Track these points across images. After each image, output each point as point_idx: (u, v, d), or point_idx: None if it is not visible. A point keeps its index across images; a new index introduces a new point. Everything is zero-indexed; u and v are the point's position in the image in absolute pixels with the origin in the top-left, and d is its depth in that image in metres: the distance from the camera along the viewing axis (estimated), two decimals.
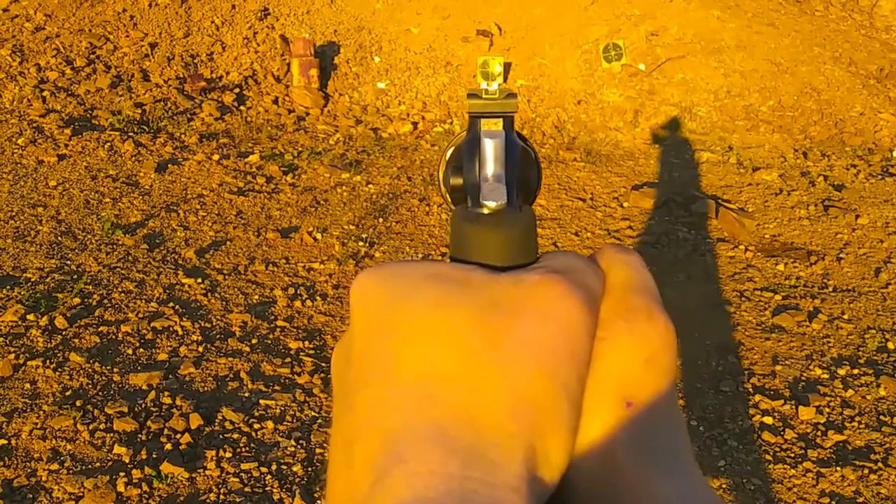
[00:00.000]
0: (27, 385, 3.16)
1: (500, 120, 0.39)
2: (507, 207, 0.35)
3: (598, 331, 0.33)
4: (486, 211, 0.35)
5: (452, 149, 0.43)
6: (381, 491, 0.27)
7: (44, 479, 2.71)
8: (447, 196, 0.43)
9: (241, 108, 6.85)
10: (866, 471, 2.99)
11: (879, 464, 3.03)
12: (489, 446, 0.28)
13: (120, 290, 3.93)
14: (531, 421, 0.29)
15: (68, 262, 4.13)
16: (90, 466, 2.78)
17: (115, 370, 3.30)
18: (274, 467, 2.84)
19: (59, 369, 3.27)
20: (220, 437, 2.97)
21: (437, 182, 0.46)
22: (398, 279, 0.32)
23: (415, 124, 6.97)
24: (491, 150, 0.36)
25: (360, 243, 4.63)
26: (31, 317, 3.59)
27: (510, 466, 0.28)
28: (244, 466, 2.82)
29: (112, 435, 2.92)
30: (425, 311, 0.31)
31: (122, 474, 2.73)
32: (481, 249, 0.34)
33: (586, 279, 0.33)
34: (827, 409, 3.37)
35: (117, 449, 2.84)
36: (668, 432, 0.34)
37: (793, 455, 3.10)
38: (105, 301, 3.82)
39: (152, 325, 3.64)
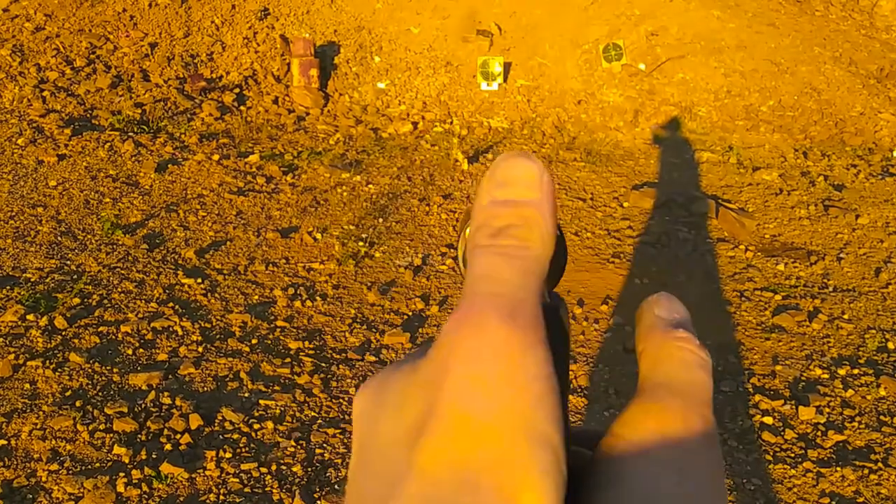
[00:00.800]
0: (27, 385, 3.16)
1: None
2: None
3: (626, 433, 0.30)
4: None
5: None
6: None
7: (43, 479, 2.71)
8: (465, 272, 0.42)
9: (241, 108, 6.85)
10: (866, 471, 2.99)
11: (879, 464, 3.03)
12: None
13: (120, 290, 3.93)
14: (490, 489, 0.25)
15: (68, 263, 4.13)
16: (90, 467, 2.78)
17: (114, 370, 3.30)
18: (274, 468, 2.83)
19: (59, 370, 3.26)
20: (220, 437, 2.97)
21: (457, 257, 0.46)
22: (378, 395, 0.33)
23: (415, 124, 6.97)
24: None
25: (360, 243, 4.62)
26: (30, 317, 3.59)
27: None
28: (244, 467, 2.82)
29: (112, 435, 2.92)
30: (383, 413, 0.31)
31: (121, 475, 2.73)
32: None
33: (497, 286, 0.29)
34: (827, 409, 3.37)
35: (117, 449, 2.84)
36: None
37: (793, 455, 3.10)
38: (105, 301, 3.82)
39: (152, 325, 3.64)
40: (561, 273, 0.42)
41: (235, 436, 2.98)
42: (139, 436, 2.93)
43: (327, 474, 2.83)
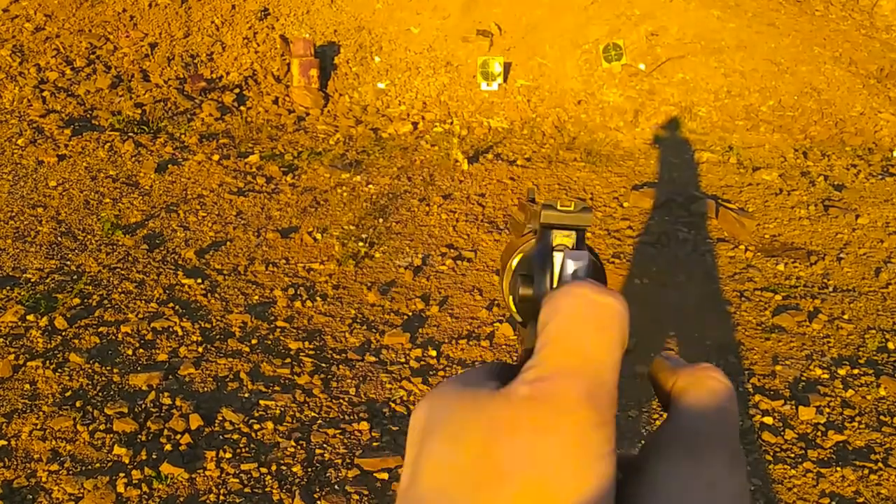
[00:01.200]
0: (27, 386, 3.16)
1: (573, 233, 0.39)
2: None
3: (662, 459, 0.32)
4: None
5: (520, 256, 0.43)
6: None
7: (44, 479, 2.71)
8: (512, 304, 0.42)
9: (241, 108, 6.85)
10: (866, 471, 2.99)
11: (880, 464, 3.03)
12: None
13: (120, 290, 3.93)
14: None
15: (68, 263, 4.13)
16: (90, 467, 2.78)
17: (114, 371, 3.30)
18: (274, 468, 2.83)
19: (59, 370, 3.26)
20: (220, 437, 2.97)
21: (500, 289, 0.46)
22: (435, 405, 0.33)
23: (415, 124, 6.97)
24: (573, 271, 0.36)
25: (360, 243, 4.62)
26: (30, 317, 3.59)
27: None
28: (244, 467, 2.82)
29: (112, 435, 2.92)
30: (441, 450, 0.31)
31: (121, 475, 2.73)
32: None
33: (588, 379, 0.30)
34: (827, 410, 3.37)
35: (117, 450, 2.84)
36: None
37: (793, 455, 3.10)
38: (105, 301, 3.82)
39: (152, 325, 3.64)
40: None
41: (235, 436, 2.98)
42: (139, 436, 2.93)
43: (327, 474, 2.83)
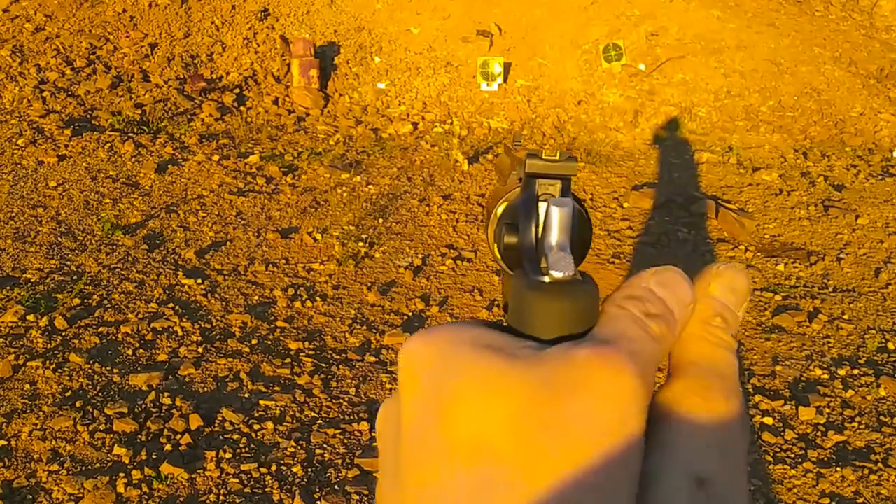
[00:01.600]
0: (27, 386, 3.16)
1: (559, 182, 0.39)
2: (572, 278, 0.35)
3: (674, 404, 0.33)
4: (549, 280, 0.35)
5: (505, 205, 0.43)
6: None
7: (43, 479, 2.71)
8: (496, 252, 0.42)
9: (241, 108, 6.85)
10: (866, 471, 2.99)
11: (879, 464, 3.03)
12: None
13: (120, 290, 3.93)
14: (593, 502, 0.29)
15: (68, 263, 4.13)
16: (90, 467, 2.78)
17: (114, 371, 3.30)
18: (274, 468, 2.83)
19: (59, 370, 3.27)
20: (220, 437, 2.97)
21: (485, 237, 0.46)
22: (446, 348, 0.32)
23: (415, 125, 6.97)
24: (557, 218, 0.36)
25: (360, 244, 4.63)
26: (30, 317, 3.59)
27: None
28: (244, 467, 2.82)
29: (112, 436, 2.92)
30: (476, 389, 0.30)
31: (121, 475, 2.73)
32: (546, 319, 0.34)
33: (640, 346, 0.32)
34: (827, 410, 3.37)
35: (117, 450, 2.84)
36: None
37: (793, 455, 3.10)
38: (105, 302, 3.82)
39: (152, 325, 3.64)
40: (587, 249, 0.42)
41: (235, 436, 2.98)
42: (139, 436, 2.93)
43: (327, 475, 2.83)
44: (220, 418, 3.06)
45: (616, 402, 0.30)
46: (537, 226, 0.37)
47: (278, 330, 3.73)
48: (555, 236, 0.36)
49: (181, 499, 2.68)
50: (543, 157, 0.39)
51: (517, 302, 0.35)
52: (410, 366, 0.33)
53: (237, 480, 2.76)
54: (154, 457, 2.83)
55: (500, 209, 0.43)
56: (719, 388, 0.33)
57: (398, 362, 0.34)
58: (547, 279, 0.35)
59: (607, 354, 0.31)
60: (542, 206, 0.37)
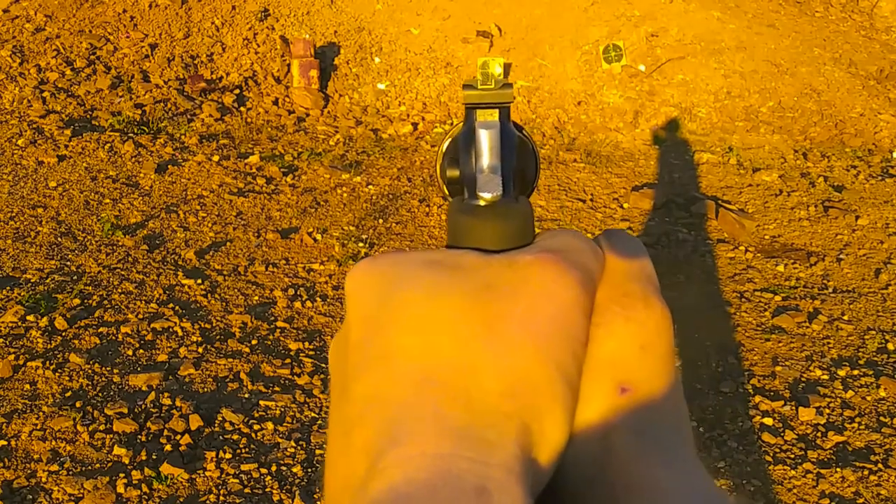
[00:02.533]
0: (27, 386, 3.16)
1: (497, 110, 0.39)
2: (504, 198, 0.35)
3: (595, 316, 0.33)
4: (482, 203, 0.35)
5: (449, 140, 0.43)
6: (375, 475, 0.27)
7: (43, 480, 2.71)
8: (444, 188, 0.43)
9: (242, 108, 6.85)
10: (866, 472, 2.99)
11: (879, 465, 3.03)
12: (484, 427, 0.28)
13: (120, 290, 3.93)
14: (526, 401, 0.29)
15: (68, 263, 4.13)
16: (90, 467, 2.78)
17: (114, 371, 3.30)
18: (274, 468, 2.83)
19: (59, 370, 3.27)
20: (220, 438, 2.97)
21: (434, 174, 0.46)
22: (391, 268, 0.33)
23: (415, 125, 6.97)
24: (486, 140, 0.36)
25: (360, 244, 4.63)
26: (30, 318, 3.59)
27: (505, 446, 0.28)
28: (244, 467, 2.82)
29: (112, 436, 2.92)
30: (419, 298, 0.31)
31: (121, 475, 2.73)
32: (477, 240, 0.34)
33: (583, 258, 0.33)
34: (827, 410, 3.37)
35: (117, 450, 2.84)
36: (666, 421, 0.34)
37: (793, 456, 3.10)
38: (105, 302, 3.82)
39: (152, 326, 3.64)
40: (533, 177, 0.42)
41: (235, 436, 2.98)
42: (139, 436, 2.93)
43: None
44: (220, 419, 3.06)
45: (558, 304, 0.31)
46: (476, 155, 0.37)
47: (278, 330, 3.73)
48: (485, 159, 0.36)
49: (181, 499, 2.68)
50: (478, 86, 0.39)
51: (451, 226, 0.36)
52: (357, 287, 0.34)
53: (237, 481, 2.76)
54: (154, 457, 2.83)
55: (444, 145, 0.43)
56: (637, 293, 0.34)
57: (345, 287, 0.35)
58: (480, 202, 0.35)
59: (551, 259, 0.32)
60: (480, 134, 0.37)
